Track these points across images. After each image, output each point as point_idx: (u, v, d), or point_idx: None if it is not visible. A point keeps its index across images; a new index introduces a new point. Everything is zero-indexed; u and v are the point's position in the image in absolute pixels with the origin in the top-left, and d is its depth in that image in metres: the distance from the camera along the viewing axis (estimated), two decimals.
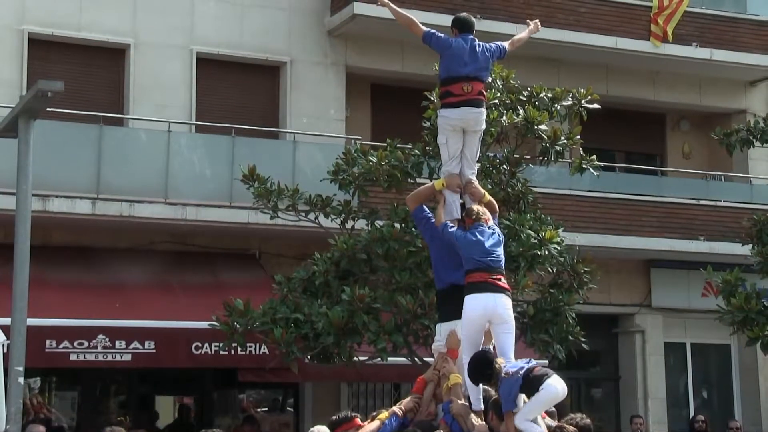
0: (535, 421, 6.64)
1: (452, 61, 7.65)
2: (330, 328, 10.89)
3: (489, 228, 7.29)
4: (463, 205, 7.65)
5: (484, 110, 7.81)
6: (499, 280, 7.14)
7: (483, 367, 6.77)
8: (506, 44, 8.03)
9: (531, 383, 6.59)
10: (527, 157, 12.31)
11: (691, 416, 17.54)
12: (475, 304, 7.03)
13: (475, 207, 7.45)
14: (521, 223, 11.39)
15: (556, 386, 6.60)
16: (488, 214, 7.40)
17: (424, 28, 7.81)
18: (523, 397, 6.73)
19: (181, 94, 15.34)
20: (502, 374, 6.66)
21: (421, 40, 7.83)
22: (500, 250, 7.27)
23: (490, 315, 7.06)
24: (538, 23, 8.51)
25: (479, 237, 7.17)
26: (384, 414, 7.06)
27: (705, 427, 16.11)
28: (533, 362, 6.82)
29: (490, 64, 7.90)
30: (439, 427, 6.91)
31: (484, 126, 7.89)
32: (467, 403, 6.96)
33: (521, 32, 8.41)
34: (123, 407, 15.66)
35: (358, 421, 7.17)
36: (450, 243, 7.31)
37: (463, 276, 7.18)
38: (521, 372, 6.63)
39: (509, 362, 6.82)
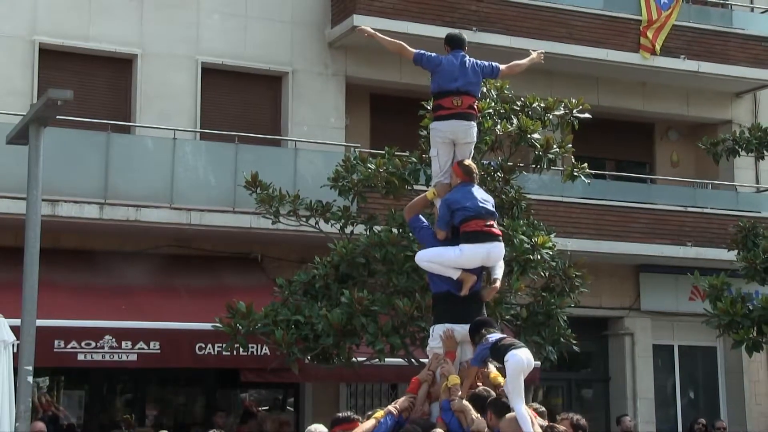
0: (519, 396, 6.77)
1: (442, 77, 7.67)
2: (329, 329, 10.89)
3: (476, 187, 7.57)
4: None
5: (473, 123, 7.79)
6: (492, 226, 7.42)
7: (477, 329, 7.12)
8: (503, 66, 8.00)
9: (498, 351, 6.89)
10: (520, 164, 12.31)
11: (679, 416, 17.53)
12: (472, 253, 7.29)
13: (469, 162, 7.59)
14: (514, 229, 11.39)
15: (520, 355, 6.77)
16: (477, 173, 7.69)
17: (413, 50, 7.82)
18: (492, 367, 7.20)
19: (187, 102, 15.34)
20: (484, 339, 7.02)
21: (413, 62, 7.85)
22: (491, 201, 7.57)
23: (486, 262, 7.40)
24: (542, 55, 8.39)
25: (469, 191, 7.44)
26: (380, 413, 7.06)
27: (705, 430, 16.01)
28: (507, 336, 7.20)
29: (480, 79, 7.88)
30: (434, 425, 6.91)
31: (474, 139, 7.84)
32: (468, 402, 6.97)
33: (527, 57, 8.31)
34: (129, 406, 15.65)
35: (359, 424, 7.19)
36: (447, 215, 7.43)
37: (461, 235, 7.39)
38: (494, 340, 6.99)
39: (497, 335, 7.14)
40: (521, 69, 8.27)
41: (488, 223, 7.36)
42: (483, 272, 7.59)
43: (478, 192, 7.53)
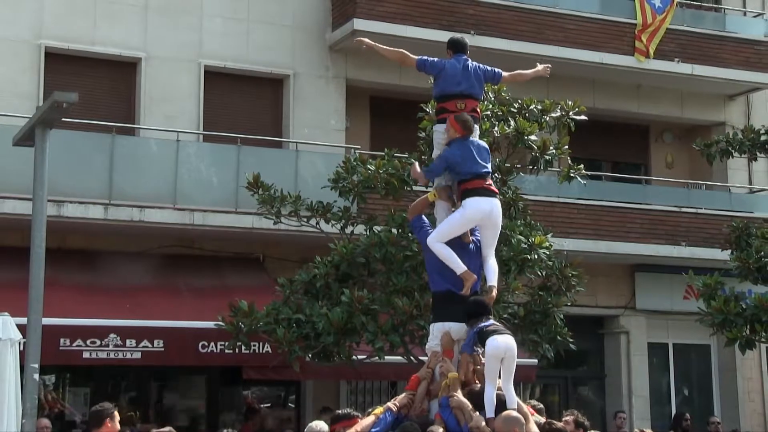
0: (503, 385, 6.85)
1: (446, 81, 7.67)
2: (330, 328, 10.90)
3: (474, 141, 7.59)
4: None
5: (476, 126, 7.80)
6: (491, 185, 7.55)
7: (474, 314, 7.16)
8: (506, 73, 7.99)
9: (481, 337, 7.02)
10: (518, 166, 12.33)
11: (674, 413, 17.52)
12: (477, 205, 7.38)
13: (466, 117, 7.55)
14: (512, 229, 11.41)
15: (498, 341, 6.89)
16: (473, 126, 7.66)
17: (415, 57, 7.82)
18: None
19: (190, 105, 15.35)
20: (478, 324, 7.10)
21: (416, 68, 7.84)
22: (488, 157, 7.64)
23: (486, 217, 7.43)
24: (548, 69, 8.31)
25: (469, 151, 7.47)
26: (379, 409, 7.08)
27: (691, 425, 16.03)
28: (494, 323, 7.17)
29: (482, 83, 7.87)
30: (433, 422, 6.92)
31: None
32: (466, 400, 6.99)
33: (533, 69, 8.25)
34: (133, 403, 15.65)
35: (359, 420, 7.22)
36: (441, 170, 7.55)
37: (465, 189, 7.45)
38: (481, 326, 7.07)
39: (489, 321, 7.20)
40: (525, 79, 8.25)
41: (488, 182, 7.51)
42: (481, 269, 7.57)
43: (477, 149, 7.53)
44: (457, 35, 8.17)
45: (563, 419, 7.69)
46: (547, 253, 11.50)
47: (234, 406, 15.88)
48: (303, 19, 16.28)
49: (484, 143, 7.75)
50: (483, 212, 7.38)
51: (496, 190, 7.60)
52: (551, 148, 11.90)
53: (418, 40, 15.23)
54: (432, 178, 7.67)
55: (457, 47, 7.87)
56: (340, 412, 7.37)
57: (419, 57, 7.81)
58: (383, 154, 12.19)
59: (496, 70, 7.92)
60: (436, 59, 7.81)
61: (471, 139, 7.54)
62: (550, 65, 8.39)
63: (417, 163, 8.11)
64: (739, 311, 12.93)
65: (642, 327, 18.14)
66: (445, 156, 7.52)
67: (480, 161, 7.46)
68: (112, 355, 12.57)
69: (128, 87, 15.30)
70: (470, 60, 7.81)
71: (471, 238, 7.54)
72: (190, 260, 14.90)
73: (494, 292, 7.51)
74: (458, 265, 7.30)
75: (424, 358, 7.72)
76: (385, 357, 11.33)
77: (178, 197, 14.17)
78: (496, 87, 11.86)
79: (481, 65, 7.82)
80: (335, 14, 16.25)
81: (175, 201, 14.15)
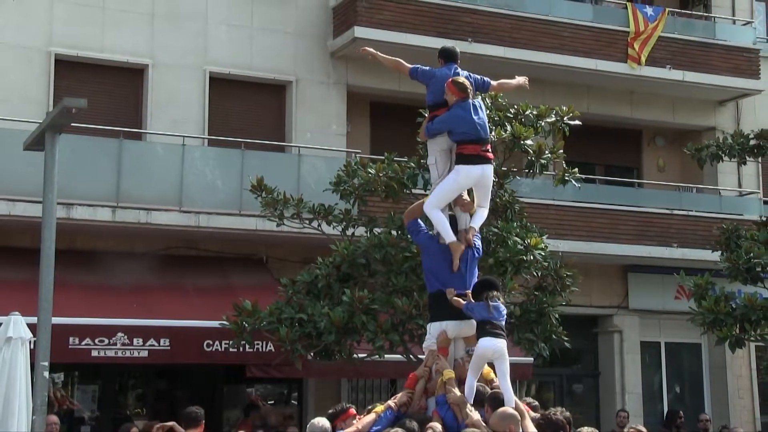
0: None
1: (437, 88, 7.69)
2: (331, 327, 10.91)
3: (474, 101, 7.59)
4: (452, 217, 7.65)
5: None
6: (487, 151, 7.58)
7: (480, 290, 7.17)
8: (494, 82, 8.05)
9: (479, 331, 7.03)
10: (514, 169, 12.35)
11: (665, 410, 17.53)
12: (468, 172, 7.47)
13: (462, 79, 7.56)
14: (508, 231, 11.42)
15: (487, 344, 6.91)
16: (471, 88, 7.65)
17: (409, 65, 7.89)
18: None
19: (195, 110, 15.36)
20: (488, 300, 7.05)
21: (409, 76, 7.89)
22: (485, 119, 7.66)
23: (477, 182, 7.53)
24: (527, 80, 8.40)
25: (468, 112, 7.50)
26: (380, 407, 7.08)
27: (684, 423, 16.03)
28: (501, 316, 7.07)
29: (473, 90, 7.89)
30: (431, 419, 6.92)
31: None
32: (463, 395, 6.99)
33: (515, 79, 8.35)
34: (140, 400, 15.66)
35: (353, 410, 7.27)
36: (443, 130, 7.56)
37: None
38: (485, 315, 7.00)
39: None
40: (510, 88, 8.42)
41: (483, 148, 7.55)
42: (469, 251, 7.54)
43: (476, 112, 7.55)
44: (449, 45, 8.22)
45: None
46: (543, 254, 11.51)
47: (238, 403, 15.88)
48: (305, 27, 16.29)
49: (480, 102, 7.75)
50: (474, 179, 7.51)
51: (491, 156, 7.64)
52: (546, 152, 11.91)
53: (417, 47, 15.25)
54: (430, 135, 7.68)
55: (448, 56, 7.93)
56: (332, 410, 7.34)
57: (412, 66, 7.87)
58: (383, 158, 12.20)
59: (485, 78, 8.01)
60: (427, 68, 7.87)
61: (469, 100, 7.56)
62: (527, 77, 8.46)
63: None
64: (729, 311, 12.94)
65: (635, 326, 18.14)
66: (444, 120, 7.55)
67: (477, 125, 7.50)
68: (119, 354, 12.58)
69: (135, 93, 15.31)
70: (460, 69, 7.84)
71: (472, 240, 7.52)
72: (195, 261, 14.91)
73: (472, 233, 7.52)
74: (448, 234, 7.39)
75: (423, 357, 7.72)
76: (385, 355, 11.33)
77: (183, 200, 14.18)
78: (493, 93, 11.88)
79: (471, 74, 7.86)
80: (336, 22, 16.27)
81: (181, 203, 14.16)
